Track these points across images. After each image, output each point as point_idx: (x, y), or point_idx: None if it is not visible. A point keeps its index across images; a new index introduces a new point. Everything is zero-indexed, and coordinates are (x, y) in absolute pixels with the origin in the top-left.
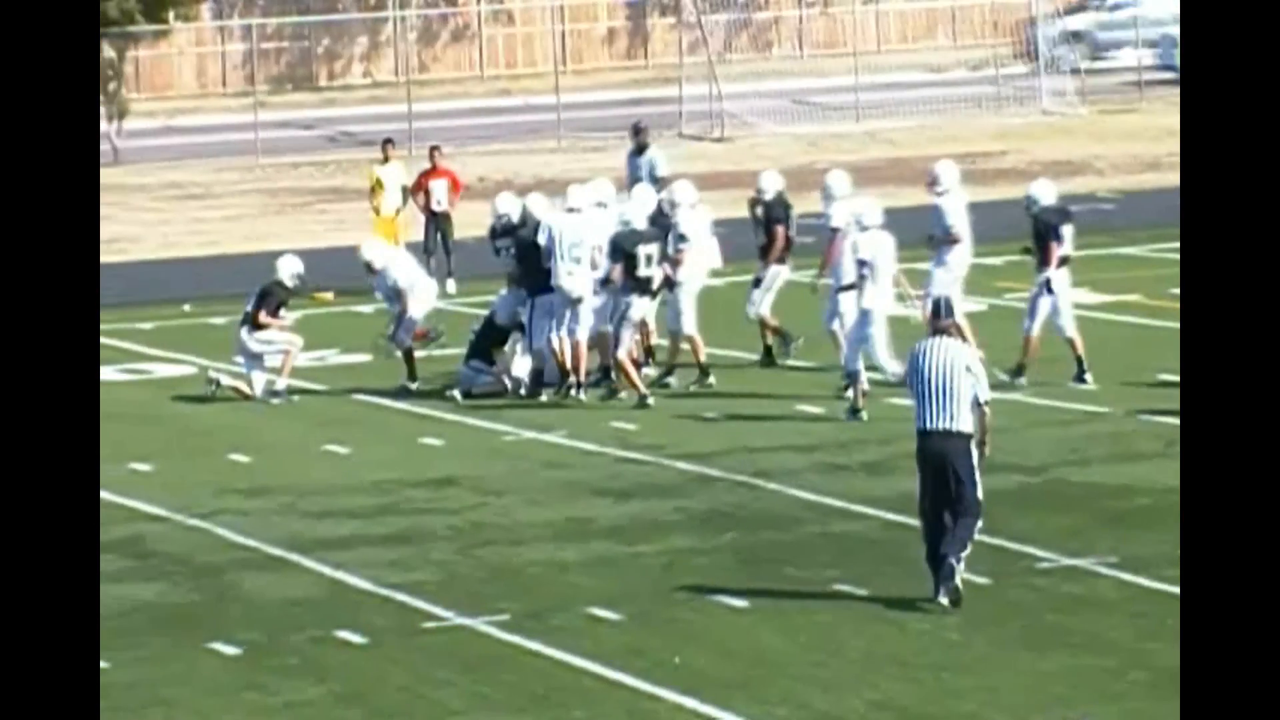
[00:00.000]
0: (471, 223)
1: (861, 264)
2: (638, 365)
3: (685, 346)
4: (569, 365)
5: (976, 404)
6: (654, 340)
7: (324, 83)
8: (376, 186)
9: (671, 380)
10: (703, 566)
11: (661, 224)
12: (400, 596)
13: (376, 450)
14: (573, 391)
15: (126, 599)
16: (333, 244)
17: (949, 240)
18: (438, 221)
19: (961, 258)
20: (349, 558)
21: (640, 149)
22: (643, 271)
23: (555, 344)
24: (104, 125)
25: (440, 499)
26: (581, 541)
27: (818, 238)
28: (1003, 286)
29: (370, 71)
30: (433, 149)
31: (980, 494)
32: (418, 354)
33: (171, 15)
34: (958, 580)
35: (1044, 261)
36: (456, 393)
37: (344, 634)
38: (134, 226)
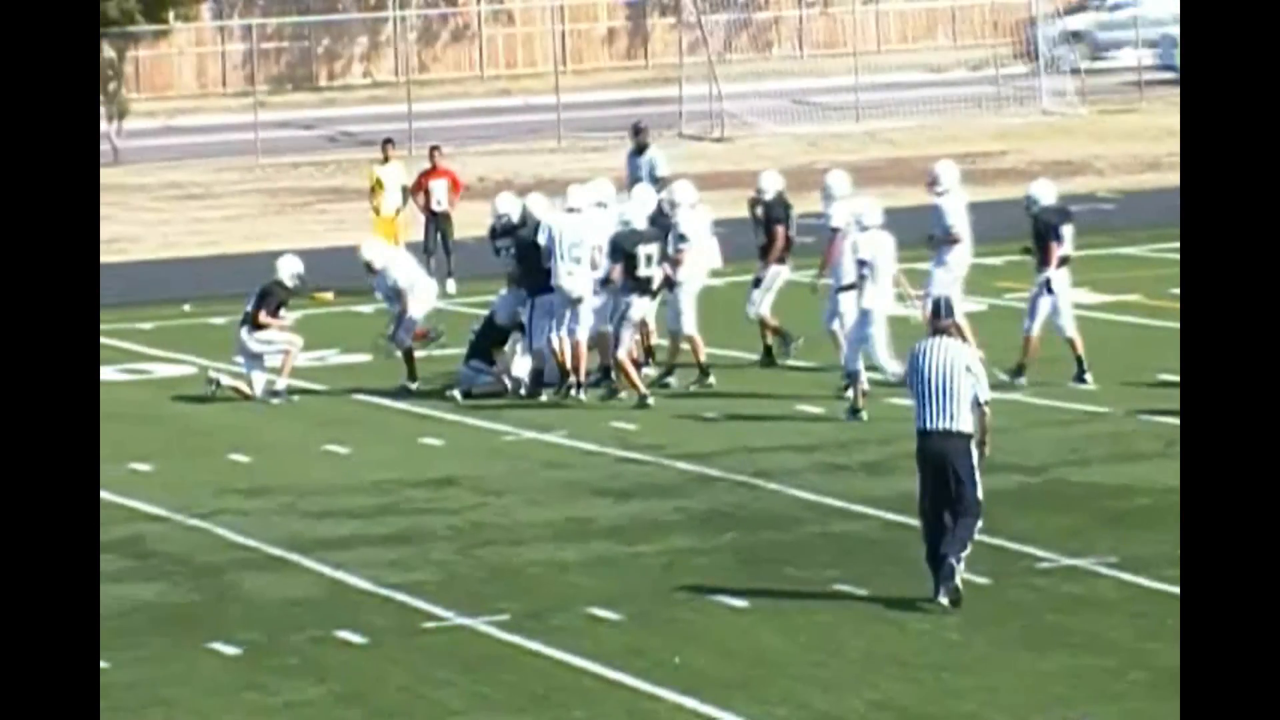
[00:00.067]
0: (471, 223)
1: (861, 264)
2: (638, 365)
3: (685, 346)
4: (569, 365)
5: (976, 404)
6: (654, 340)
7: (324, 83)
8: (376, 186)
9: (671, 380)
10: (703, 566)
11: (661, 224)
12: (400, 596)
13: (376, 450)
14: (573, 391)
15: (126, 599)
16: (333, 244)
17: (949, 240)
18: (438, 221)
19: (961, 258)
20: (349, 558)
21: (640, 149)
22: (643, 271)
23: (555, 344)
24: (104, 125)
25: (440, 499)
26: (581, 541)
27: (818, 238)
28: (1003, 286)
29: (370, 71)
30: (433, 149)
31: (980, 494)
32: (418, 354)
33: (171, 15)
34: (958, 580)
35: (1044, 261)
36: (456, 393)
37: (344, 634)
38: (134, 226)
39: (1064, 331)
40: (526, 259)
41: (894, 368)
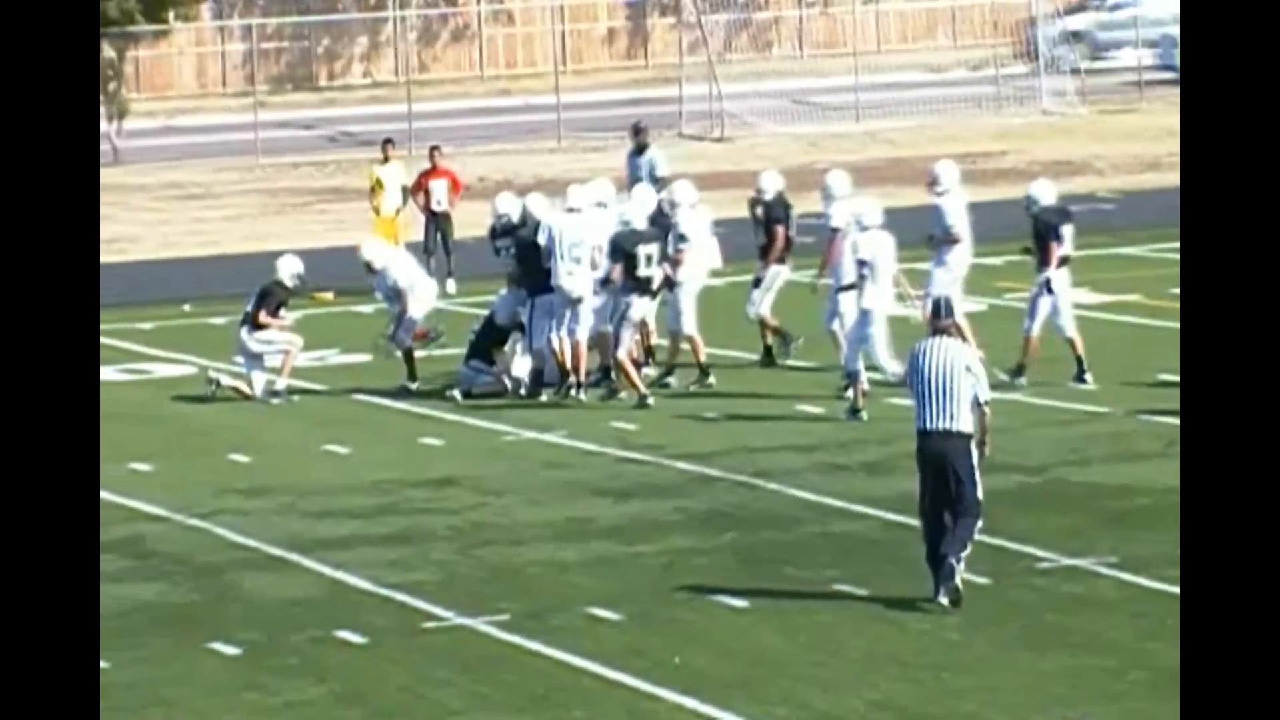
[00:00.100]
0: (471, 223)
1: (861, 264)
2: (638, 365)
3: (685, 347)
4: (569, 365)
5: (976, 404)
6: (654, 340)
7: (324, 83)
8: (376, 186)
9: (671, 380)
10: (703, 566)
11: (661, 224)
12: (400, 596)
13: (376, 450)
14: (573, 391)
15: (126, 599)
16: (333, 244)
17: (949, 240)
18: (438, 221)
19: (961, 258)
20: (349, 558)
21: (640, 149)
22: (642, 272)
23: (555, 344)
24: (104, 125)
25: (440, 499)
26: (581, 541)
27: (818, 238)
28: (1003, 286)
29: (370, 71)
30: (433, 149)
31: (980, 494)
32: (418, 354)
33: (171, 15)
34: (958, 580)
35: (1044, 261)
36: (456, 393)
37: (344, 634)
38: (134, 226)
39: (1064, 331)
40: (526, 259)
41: (894, 368)
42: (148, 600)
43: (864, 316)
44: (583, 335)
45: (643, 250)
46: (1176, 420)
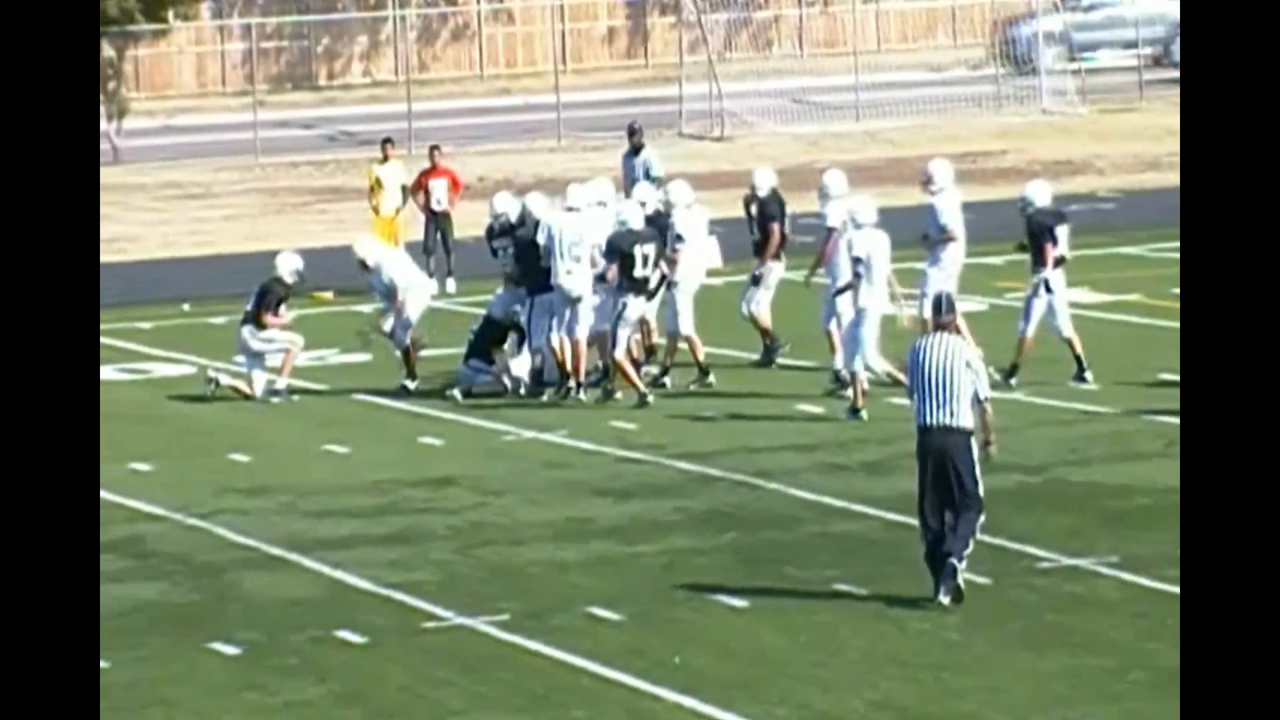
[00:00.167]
0: (471, 222)
1: (856, 261)
2: (637, 364)
3: (683, 347)
4: (569, 365)
5: (976, 400)
6: (655, 339)
7: (324, 82)
8: (376, 186)
9: (667, 381)
10: (703, 566)
11: (659, 224)
12: (400, 596)
13: (376, 450)
14: (572, 391)
15: (126, 599)
16: (332, 244)
17: (944, 239)
18: (437, 221)
19: (956, 256)
20: (349, 558)
21: (636, 149)
22: (639, 272)
23: (555, 343)
24: (104, 125)
25: (440, 499)
26: (581, 541)
27: (817, 237)
28: (1002, 286)
29: (370, 71)
30: (433, 148)
31: (981, 489)
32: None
33: (171, 14)
34: (959, 580)
35: (1040, 262)
36: (456, 392)
37: (344, 634)
38: (134, 226)
39: (1061, 332)
40: (525, 258)
41: (882, 367)
42: (148, 600)
43: (859, 315)
44: (582, 334)
45: (639, 250)
46: (1176, 420)
